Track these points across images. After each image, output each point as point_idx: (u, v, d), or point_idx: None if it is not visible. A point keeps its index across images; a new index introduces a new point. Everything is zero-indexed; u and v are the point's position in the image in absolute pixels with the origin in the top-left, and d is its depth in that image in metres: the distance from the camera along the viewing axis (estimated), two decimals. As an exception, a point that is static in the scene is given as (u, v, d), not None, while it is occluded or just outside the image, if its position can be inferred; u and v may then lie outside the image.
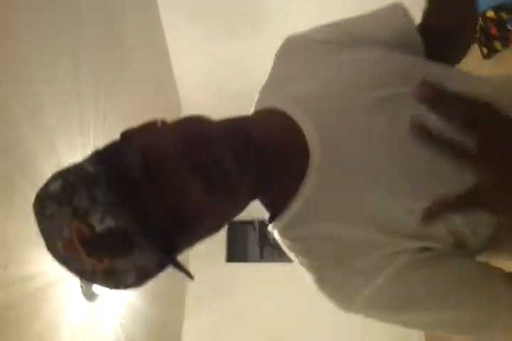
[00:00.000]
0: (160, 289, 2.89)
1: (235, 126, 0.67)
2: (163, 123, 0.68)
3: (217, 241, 4.07)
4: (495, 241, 0.71)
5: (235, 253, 4.19)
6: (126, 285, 0.63)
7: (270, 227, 0.76)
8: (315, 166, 0.69)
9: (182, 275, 0.63)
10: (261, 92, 0.82)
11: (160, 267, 0.62)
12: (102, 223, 0.57)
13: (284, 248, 0.76)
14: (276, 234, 0.76)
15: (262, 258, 4.38)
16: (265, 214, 0.78)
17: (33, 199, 0.63)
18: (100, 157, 0.63)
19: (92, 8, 2.14)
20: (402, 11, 0.80)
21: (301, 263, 0.74)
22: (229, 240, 4.15)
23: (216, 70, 3.64)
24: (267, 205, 0.77)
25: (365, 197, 0.68)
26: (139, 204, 0.58)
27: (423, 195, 0.64)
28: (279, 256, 4.35)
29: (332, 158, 0.69)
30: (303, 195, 0.70)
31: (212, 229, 0.67)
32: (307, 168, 0.70)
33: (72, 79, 1.92)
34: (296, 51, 0.81)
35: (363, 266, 0.68)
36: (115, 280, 0.61)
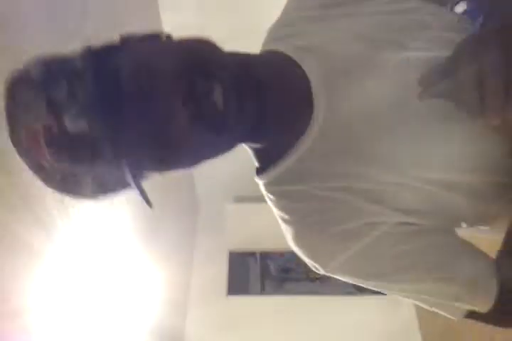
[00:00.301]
0: (158, 326, 2.82)
1: (241, 57, 0.64)
2: (169, 37, 0.65)
3: (218, 273, 4.00)
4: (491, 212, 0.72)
5: (236, 286, 4.11)
6: (79, 195, 0.60)
7: (256, 179, 0.73)
8: (318, 122, 0.66)
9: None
10: (269, 31, 0.76)
11: (119, 186, 0.58)
12: (74, 123, 0.53)
13: (268, 201, 0.73)
14: (261, 187, 0.73)
15: (263, 291, 4.30)
16: (254, 163, 0.75)
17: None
18: (93, 54, 0.58)
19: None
20: None
21: (283, 219, 0.72)
22: (230, 273, 4.08)
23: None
24: (258, 155, 0.73)
25: (360, 167, 0.66)
26: (118, 115, 0.54)
27: (421, 164, 0.65)
28: (281, 288, 4.28)
29: (336, 117, 0.66)
30: (299, 150, 0.67)
31: (185, 163, 0.63)
32: (309, 120, 0.66)
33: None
34: None
35: (343, 231, 0.67)
36: (70, 186, 0.58)
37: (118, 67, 0.56)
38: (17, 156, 0.59)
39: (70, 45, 0.63)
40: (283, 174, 0.69)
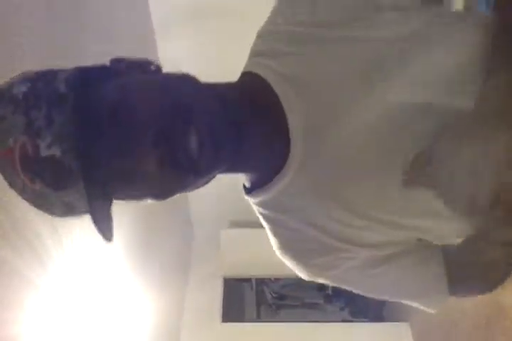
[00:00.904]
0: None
1: (220, 93, 0.64)
2: (158, 68, 0.66)
3: (212, 300, 3.95)
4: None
5: (231, 312, 4.05)
6: (51, 213, 0.61)
7: (245, 196, 0.75)
8: (294, 163, 0.67)
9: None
10: (257, 38, 0.72)
11: (87, 211, 0.59)
12: (48, 149, 0.54)
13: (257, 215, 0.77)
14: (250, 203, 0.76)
15: (259, 318, 4.24)
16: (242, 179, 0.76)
17: None
18: (78, 80, 0.58)
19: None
20: None
21: (268, 232, 0.76)
22: (225, 299, 4.02)
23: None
24: (245, 177, 0.74)
25: (331, 208, 0.69)
26: (91, 147, 0.55)
27: (384, 214, 0.69)
28: (277, 315, 4.23)
29: (312, 159, 0.67)
30: (278, 185, 0.68)
31: (157, 197, 0.63)
32: (286, 157, 0.67)
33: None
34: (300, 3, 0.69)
35: (318, 263, 0.74)
36: (41, 204, 0.60)
37: (100, 99, 0.58)
38: (10, 190, 0.60)
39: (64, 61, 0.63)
40: (265, 201, 0.71)
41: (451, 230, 0.73)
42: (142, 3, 3.12)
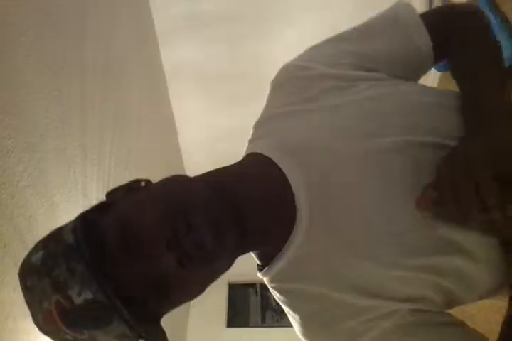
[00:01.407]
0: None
1: (216, 184, 0.67)
2: (147, 182, 0.70)
3: (217, 305, 3.95)
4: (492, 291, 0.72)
5: (236, 318, 4.05)
6: None
7: (259, 275, 0.76)
8: (302, 226, 0.68)
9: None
10: (255, 127, 0.79)
11: (140, 334, 0.62)
12: (80, 296, 0.58)
13: (275, 297, 0.76)
14: (265, 282, 0.76)
15: (263, 323, 4.24)
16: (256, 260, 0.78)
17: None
18: (81, 226, 0.63)
19: (97, 81, 2.21)
20: (416, 28, 0.76)
21: (288, 313, 0.75)
22: (229, 304, 4.02)
23: (220, 137, 3.67)
24: (256, 255, 0.77)
25: (350, 261, 0.67)
26: (115, 278, 0.59)
27: (408, 259, 0.66)
28: (282, 320, 4.22)
29: (320, 219, 0.68)
30: (289, 254, 0.69)
31: (192, 295, 0.67)
32: (294, 226, 0.68)
33: (78, 137, 1.94)
34: (292, 84, 0.76)
35: (346, 329, 0.69)
36: None
37: (104, 234, 0.62)
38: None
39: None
40: (279, 274, 0.72)
41: (481, 272, 0.69)
42: (144, 10, 3.14)
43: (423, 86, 0.78)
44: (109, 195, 0.72)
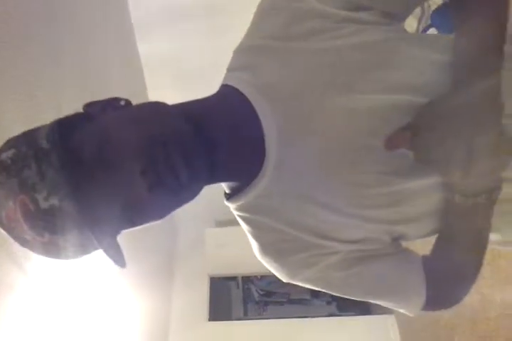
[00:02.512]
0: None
1: (194, 118, 0.68)
2: (127, 103, 0.71)
3: (199, 299, 3.94)
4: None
5: (218, 311, 4.05)
6: (66, 258, 0.66)
7: (226, 202, 0.79)
8: (270, 166, 0.71)
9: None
10: (234, 53, 0.77)
11: (99, 247, 0.64)
12: (46, 200, 0.59)
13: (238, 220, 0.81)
14: (231, 209, 0.80)
15: (246, 315, 4.25)
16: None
17: None
18: (56, 132, 0.63)
19: (74, 74, 2.17)
20: None
21: (249, 238, 0.80)
22: (211, 298, 4.02)
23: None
24: (225, 183, 0.80)
25: (309, 207, 0.73)
26: (85, 189, 0.60)
27: (364, 210, 0.72)
28: (264, 312, 4.23)
29: (287, 160, 0.71)
30: (256, 189, 0.73)
31: (152, 220, 0.69)
32: (262, 164, 0.71)
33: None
34: (280, 13, 0.72)
35: (296, 260, 0.77)
36: (54, 252, 0.64)
37: (81, 144, 0.62)
38: None
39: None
40: (245, 204, 0.76)
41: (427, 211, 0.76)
42: (121, 2, 3.10)
43: (412, 34, 0.78)
44: (86, 107, 0.71)
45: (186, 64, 3.37)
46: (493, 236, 0.78)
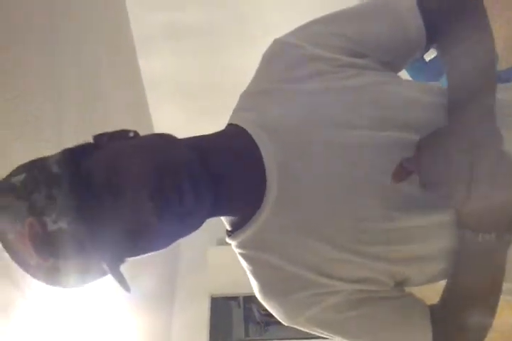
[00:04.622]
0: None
1: (199, 150, 0.70)
2: (136, 134, 0.73)
3: (199, 319, 3.89)
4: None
5: (219, 331, 3.99)
6: (66, 285, 0.66)
7: (227, 239, 0.80)
8: (270, 200, 0.72)
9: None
10: (241, 97, 0.82)
11: (99, 275, 0.66)
12: (55, 223, 0.60)
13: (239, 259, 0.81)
14: (232, 247, 0.80)
15: (247, 336, 4.19)
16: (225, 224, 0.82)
17: None
18: (68, 159, 0.65)
19: (74, 88, 2.18)
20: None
21: (250, 276, 0.79)
22: (212, 318, 3.97)
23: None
24: (227, 221, 0.81)
25: (310, 242, 0.72)
26: (93, 215, 0.61)
27: (363, 246, 0.71)
28: (266, 333, 4.18)
29: (287, 196, 0.72)
30: (257, 223, 0.73)
31: (157, 247, 0.69)
32: (263, 198, 0.72)
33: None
34: (283, 60, 0.77)
35: (296, 300, 0.75)
36: (56, 278, 0.64)
37: (91, 170, 0.64)
38: None
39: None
40: (246, 240, 0.76)
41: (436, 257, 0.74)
42: (122, 20, 3.14)
43: (406, 80, 0.81)
44: (96, 137, 0.73)
45: (187, 82, 3.40)
46: (506, 286, 0.74)
